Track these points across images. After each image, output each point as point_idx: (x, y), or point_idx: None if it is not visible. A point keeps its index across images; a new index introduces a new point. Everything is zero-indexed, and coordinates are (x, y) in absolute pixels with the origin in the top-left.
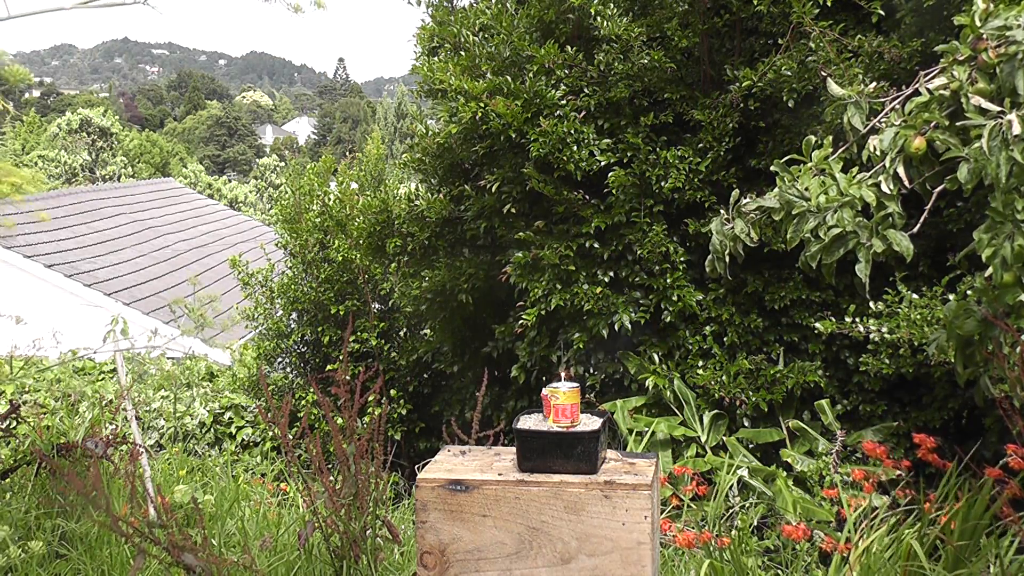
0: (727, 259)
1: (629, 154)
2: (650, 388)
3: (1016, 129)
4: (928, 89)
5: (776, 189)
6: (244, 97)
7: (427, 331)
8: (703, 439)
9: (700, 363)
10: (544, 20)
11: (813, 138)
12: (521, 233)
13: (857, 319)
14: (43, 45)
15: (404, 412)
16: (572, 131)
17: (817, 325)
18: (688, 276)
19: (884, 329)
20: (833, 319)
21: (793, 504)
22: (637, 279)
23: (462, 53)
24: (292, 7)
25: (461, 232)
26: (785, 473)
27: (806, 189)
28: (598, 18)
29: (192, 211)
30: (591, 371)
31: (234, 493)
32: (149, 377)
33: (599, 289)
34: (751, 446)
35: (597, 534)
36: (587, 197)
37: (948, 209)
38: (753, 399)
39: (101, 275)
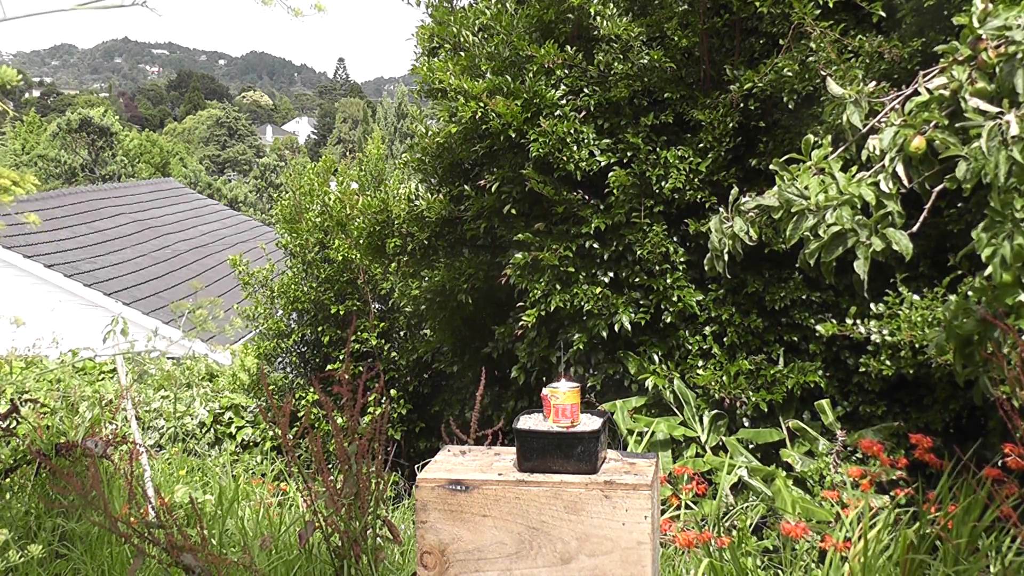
0: (726, 257)
1: (629, 154)
2: (650, 388)
3: (1015, 129)
4: (928, 89)
5: (775, 187)
6: (244, 97)
7: (427, 331)
8: (703, 439)
9: (700, 363)
10: (544, 20)
11: (812, 137)
12: (521, 234)
13: (858, 321)
14: (43, 45)
15: (404, 412)
16: (572, 131)
17: (818, 328)
18: (688, 276)
19: (885, 331)
20: (834, 321)
21: (792, 504)
22: (637, 279)
23: (462, 53)
24: (292, 11)
25: (461, 232)
26: (785, 473)
27: (805, 188)
28: (598, 18)
29: (192, 211)
30: (591, 372)
31: (234, 493)
32: (149, 377)
33: (599, 289)
34: (751, 446)
35: (597, 534)
36: (587, 197)
37: (949, 209)
38: (753, 399)
39: (101, 275)
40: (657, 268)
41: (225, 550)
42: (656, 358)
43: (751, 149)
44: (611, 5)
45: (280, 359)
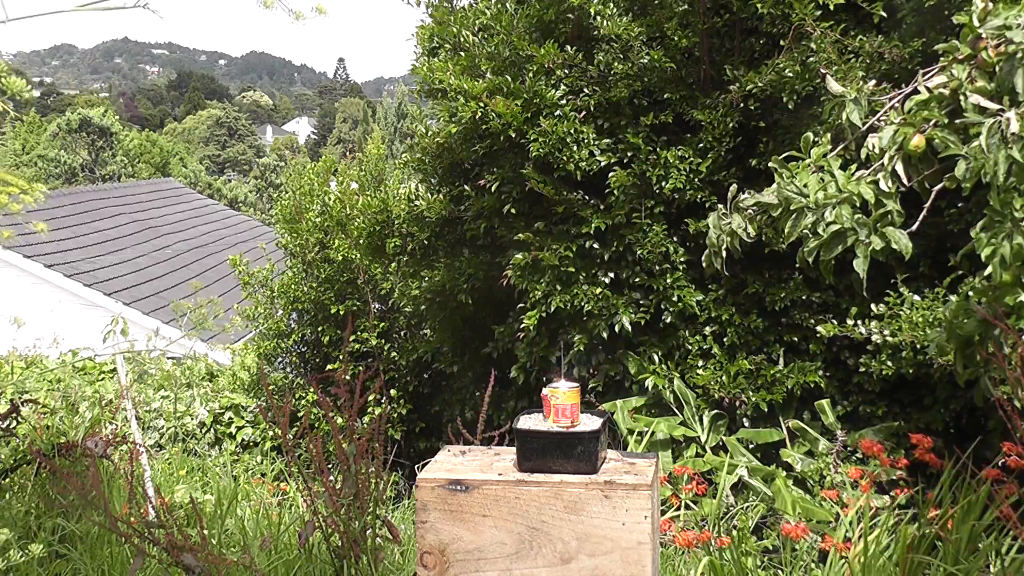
0: (724, 255)
1: (629, 154)
2: (650, 388)
3: (1014, 127)
4: (927, 87)
5: (775, 185)
6: (244, 97)
7: (427, 331)
8: (703, 439)
9: (700, 363)
10: (544, 20)
11: (811, 135)
12: (521, 234)
13: (859, 322)
14: (43, 45)
15: (404, 412)
16: (572, 131)
17: (819, 329)
18: (688, 276)
19: (886, 332)
20: (835, 322)
21: (792, 504)
22: (637, 280)
23: (462, 53)
24: (294, 14)
25: (461, 232)
26: (785, 473)
27: (804, 185)
28: (598, 18)
29: (192, 211)
30: (591, 372)
31: (234, 493)
32: (149, 377)
33: (599, 290)
34: (751, 446)
35: (597, 534)
36: (587, 197)
37: (949, 209)
38: (753, 399)
39: (101, 275)
40: (657, 268)
41: (225, 550)
42: (656, 358)
43: (751, 149)
44: (611, 5)
45: (280, 359)
